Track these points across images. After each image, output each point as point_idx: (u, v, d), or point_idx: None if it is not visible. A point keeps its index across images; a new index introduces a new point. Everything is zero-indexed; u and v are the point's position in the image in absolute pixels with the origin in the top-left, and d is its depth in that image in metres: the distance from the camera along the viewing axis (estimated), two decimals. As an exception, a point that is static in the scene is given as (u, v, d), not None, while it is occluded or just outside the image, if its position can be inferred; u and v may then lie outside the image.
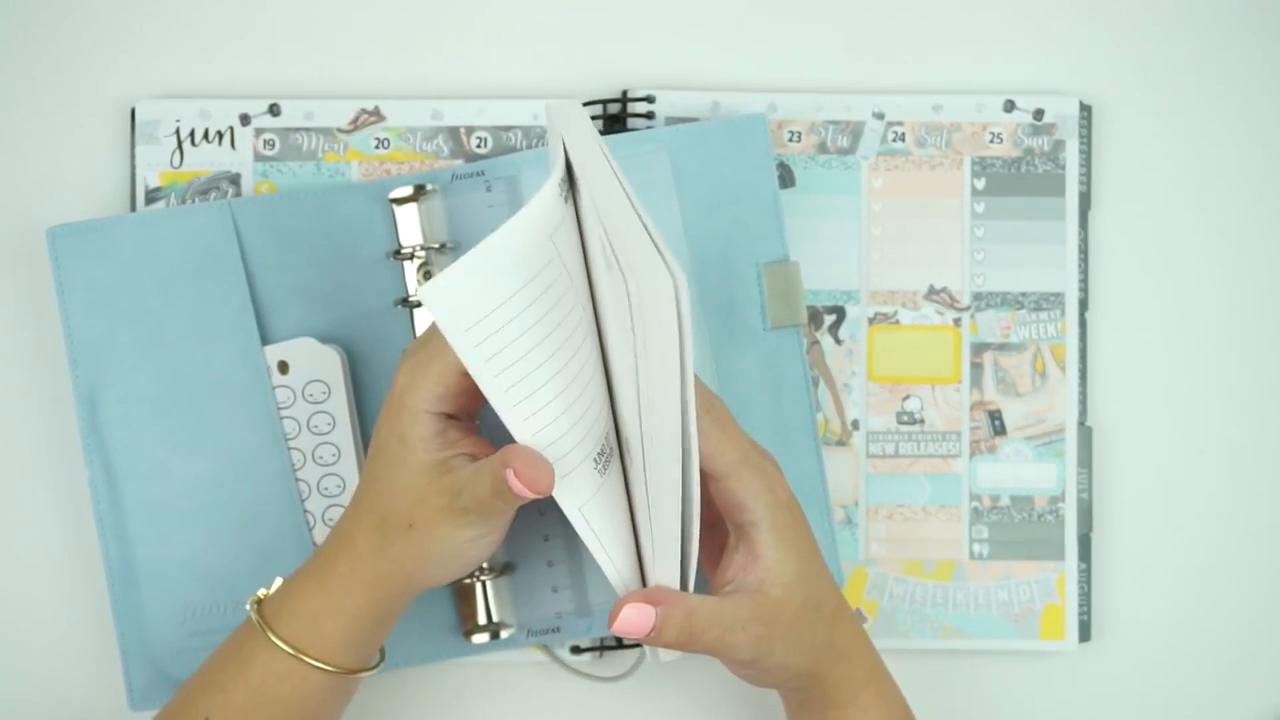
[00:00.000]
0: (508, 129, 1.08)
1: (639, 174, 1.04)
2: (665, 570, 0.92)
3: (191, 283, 1.05)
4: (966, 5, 1.10)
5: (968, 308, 1.08)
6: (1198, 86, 1.10)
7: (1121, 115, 1.10)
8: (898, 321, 1.08)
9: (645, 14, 1.10)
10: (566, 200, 0.90)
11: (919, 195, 1.08)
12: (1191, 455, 1.09)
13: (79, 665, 1.07)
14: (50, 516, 1.07)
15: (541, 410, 0.89)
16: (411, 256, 1.04)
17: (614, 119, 1.08)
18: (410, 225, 1.04)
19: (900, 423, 1.08)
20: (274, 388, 1.04)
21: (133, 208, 1.07)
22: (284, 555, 1.04)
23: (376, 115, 1.08)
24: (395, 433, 0.93)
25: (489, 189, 1.06)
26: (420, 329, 1.04)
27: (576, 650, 1.07)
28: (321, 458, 1.05)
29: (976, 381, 1.08)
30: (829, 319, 1.08)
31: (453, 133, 1.08)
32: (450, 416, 0.94)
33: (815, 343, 1.08)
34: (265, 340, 1.05)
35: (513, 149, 1.08)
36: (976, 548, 1.08)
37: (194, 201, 1.07)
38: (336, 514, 1.04)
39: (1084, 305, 1.08)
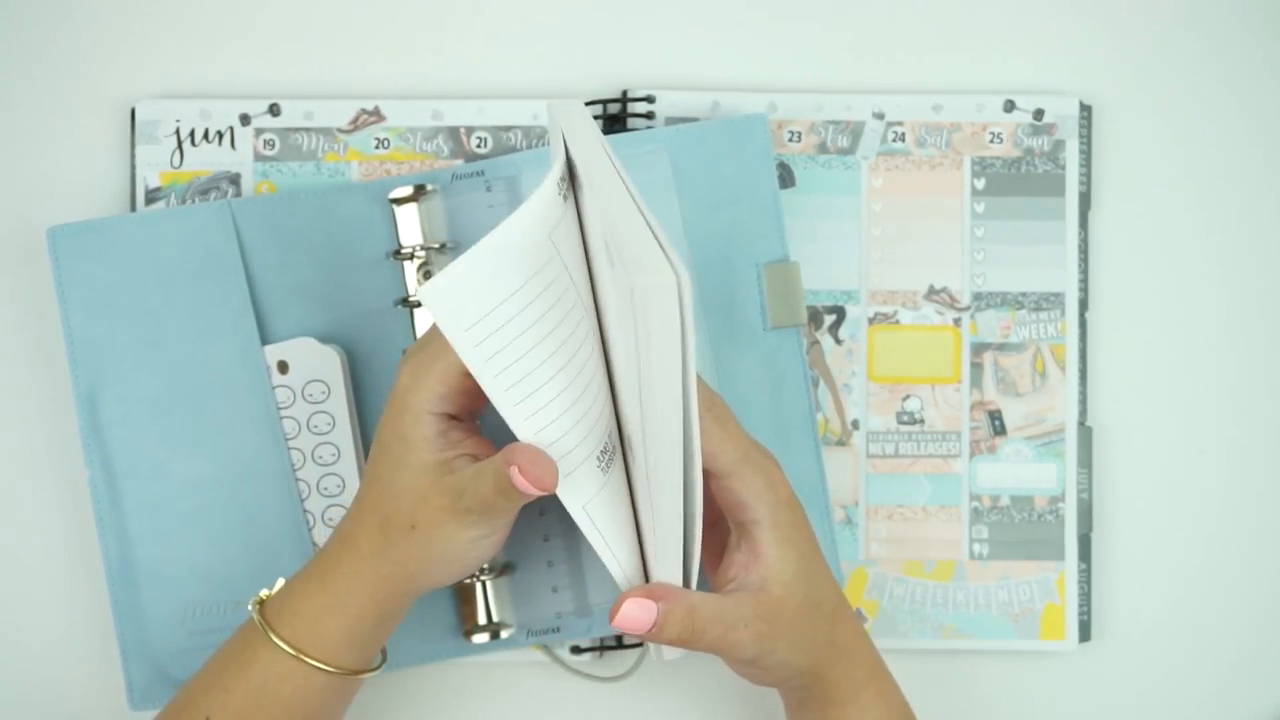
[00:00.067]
0: (508, 129, 1.08)
1: (639, 174, 1.04)
2: (668, 568, 0.92)
3: (191, 283, 1.05)
4: (966, 5, 1.10)
5: (968, 308, 1.08)
6: (1198, 86, 1.10)
7: (1121, 115, 1.10)
8: (898, 321, 1.08)
9: (645, 14, 1.10)
10: (566, 198, 0.90)
11: (919, 195, 1.08)
12: (1191, 455, 1.09)
13: (79, 665, 1.07)
14: (50, 516, 1.07)
15: (543, 409, 0.89)
16: (411, 256, 1.04)
17: (614, 119, 1.08)
18: (410, 225, 1.04)
19: (900, 423, 1.08)
20: (274, 388, 1.04)
21: (133, 208, 1.07)
22: (284, 555, 1.04)
23: (376, 115, 1.08)
24: (397, 433, 0.93)
25: (489, 189, 1.06)
26: (420, 329, 1.04)
27: (576, 650, 1.07)
28: (321, 458, 1.05)
29: (976, 381, 1.08)
30: (829, 319, 1.08)
31: (453, 133, 1.08)
32: (452, 417, 0.94)
33: (815, 343, 1.08)
34: (265, 340, 1.05)
35: (513, 149, 1.08)
36: (976, 548, 1.08)
37: (194, 201, 1.07)
38: (336, 514, 1.05)
39: (1084, 305, 1.08)
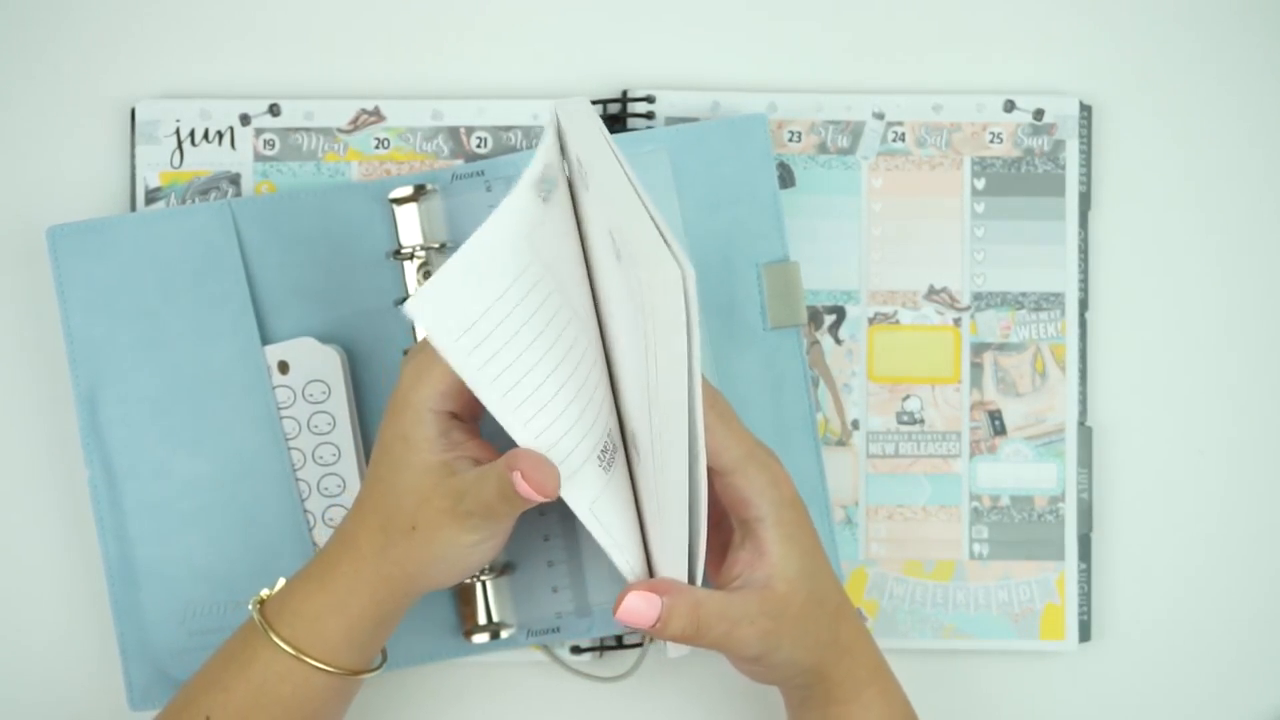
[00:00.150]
0: (508, 129, 1.08)
1: (639, 174, 1.04)
2: (673, 565, 0.92)
3: (191, 283, 1.05)
4: (966, 5, 1.10)
5: (968, 308, 1.08)
6: (1198, 86, 1.10)
7: (1121, 115, 1.10)
8: (898, 321, 1.08)
9: (645, 14, 1.10)
10: (547, 200, 0.90)
11: (919, 195, 1.08)
12: (1191, 455, 1.09)
13: (79, 665, 1.07)
14: (50, 516, 1.07)
15: (541, 412, 0.89)
16: (411, 256, 1.04)
17: (614, 119, 1.08)
18: (410, 225, 1.04)
19: (900, 423, 1.08)
20: (274, 388, 1.04)
21: (133, 208, 1.07)
22: (284, 555, 1.04)
23: (376, 115, 1.08)
24: (399, 433, 0.93)
25: (489, 189, 1.06)
26: (421, 329, 1.04)
27: (576, 650, 1.07)
28: (321, 458, 1.05)
29: (976, 381, 1.08)
30: (829, 319, 1.08)
31: (453, 133, 1.08)
32: (455, 417, 0.94)
33: (815, 343, 1.08)
34: (265, 340, 1.05)
35: (513, 149, 1.08)
36: (976, 548, 1.08)
37: (194, 201, 1.07)
38: (337, 514, 1.05)
39: (1084, 305, 1.08)
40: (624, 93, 1.08)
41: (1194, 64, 1.10)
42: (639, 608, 0.91)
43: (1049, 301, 1.08)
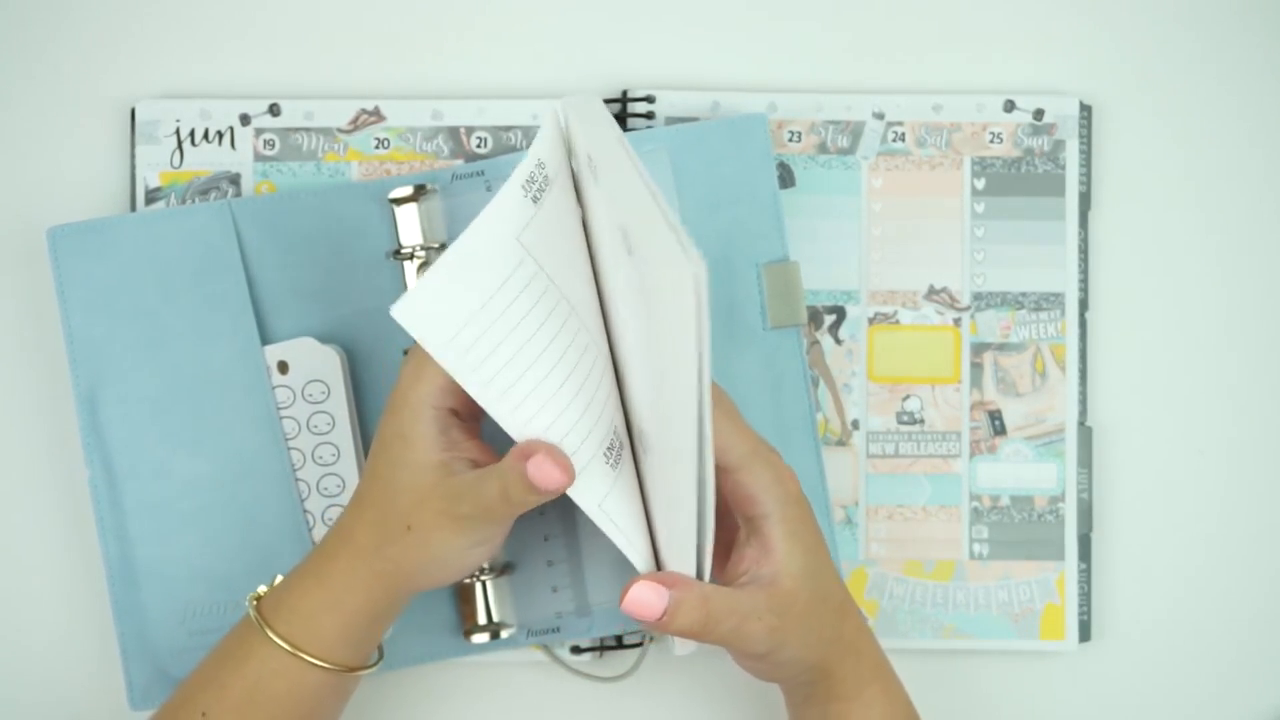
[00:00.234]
0: (508, 129, 1.08)
1: (641, 173, 1.04)
2: (681, 561, 0.91)
3: (191, 283, 1.05)
4: (966, 5, 1.10)
5: (968, 308, 1.08)
6: (1198, 86, 1.10)
7: (1121, 115, 1.10)
8: (898, 321, 1.08)
9: (645, 14, 1.10)
10: (536, 200, 0.89)
11: (919, 195, 1.08)
12: (1191, 455, 1.09)
13: (79, 665, 1.07)
14: (50, 516, 1.07)
15: (542, 411, 0.89)
16: (411, 256, 1.04)
17: (614, 119, 1.08)
18: (410, 225, 1.04)
19: (900, 423, 1.08)
20: (274, 388, 1.04)
21: (133, 208, 1.07)
22: (284, 555, 1.04)
23: (376, 115, 1.08)
24: (398, 430, 0.93)
25: (489, 189, 1.06)
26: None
27: (576, 650, 1.07)
28: (321, 458, 1.05)
29: (976, 381, 1.08)
30: (829, 319, 1.08)
31: (453, 133, 1.08)
32: (455, 414, 0.94)
33: (815, 343, 1.08)
34: (265, 340, 1.05)
35: (513, 149, 1.08)
36: (976, 548, 1.08)
37: (194, 201, 1.07)
38: (336, 514, 1.04)
39: (1084, 305, 1.08)
40: (624, 93, 1.08)
41: (1194, 64, 1.10)
42: (646, 599, 0.91)
43: (1049, 301, 1.08)
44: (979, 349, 1.08)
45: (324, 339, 1.04)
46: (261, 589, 0.96)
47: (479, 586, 1.04)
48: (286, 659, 0.94)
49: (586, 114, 0.92)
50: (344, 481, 1.05)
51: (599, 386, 0.92)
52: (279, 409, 1.04)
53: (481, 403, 0.88)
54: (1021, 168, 1.08)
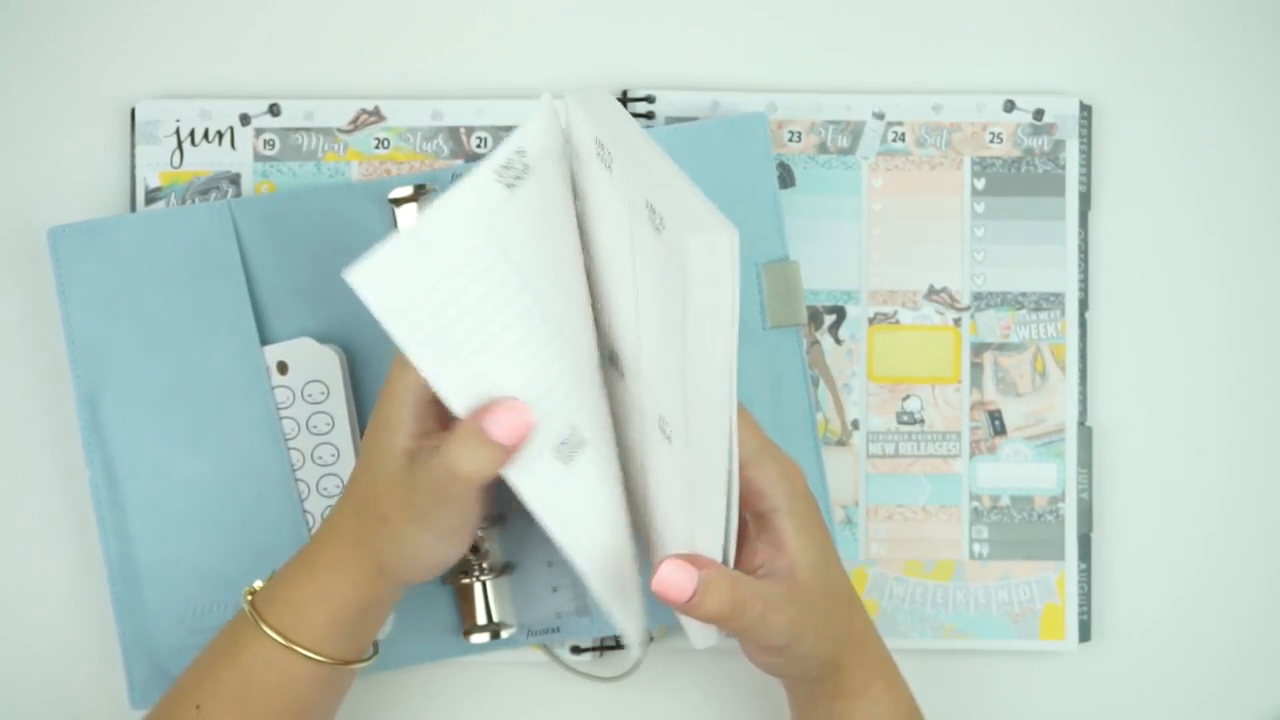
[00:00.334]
0: (508, 129, 1.08)
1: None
2: (708, 551, 0.91)
3: (191, 283, 1.05)
4: (966, 5, 1.10)
5: (968, 308, 1.08)
6: (1198, 86, 1.10)
7: (1121, 115, 1.10)
8: (898, 321, 1.08)
9: (645, 14, 1.10)
10: (511, 187, 0.89)
11: (919, 195, 1.08)
12: (1191, 455, 1.09)
13: (80, 664, 1.07)
14: (52, 516, 1.07)
15: (485, 398, 0.88)
16: (411, 256, 1.04)
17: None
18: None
19: (900, 423, 1.08)
20: (273, 388, 1.05)
21: (133, 208, 1.07)
22: (283, 554, 1.03)
23: (376, 115, 1.08)
24: (382, 416, 0.92)
25: (489, 189, 1.05)
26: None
27: (576, 650, 1.07)
28: (320, 458, 1.05)
29: (976, 381, 1.08)
30: (829, 319, 1.08)
31: (453, 133, 1.08)
32: (437, 404, 0.93)
33: (815, 343, 1.08)
34: (265, 340, 1.05)
35: (513, 149, 1.08)
36: (976, 548, 1.08)
37: (194, 201, 1.07)
38: (336, 514, 1.05)
39: (1084, 305, 1.08)
40: (624, 93, 1.08)
41: (1194, 64, 1.10)
42: (676, 579, 0.89)
43: (1049, 301, 1.08)
44: (979, 349, 1.08)
45: (323, 339, 1.04)
46: (258, 583, 0.96)
47: (479, 586, 1.04)
48: (278, 651, 0.94)
49: (595, 103, 0.92)
50: (343, 481, 1.05)
51: (559, 383, 0.91)
52: (278, 409, 1.04)
53: (427, 377, 0.87)
54: (1021, 168, 1.08)
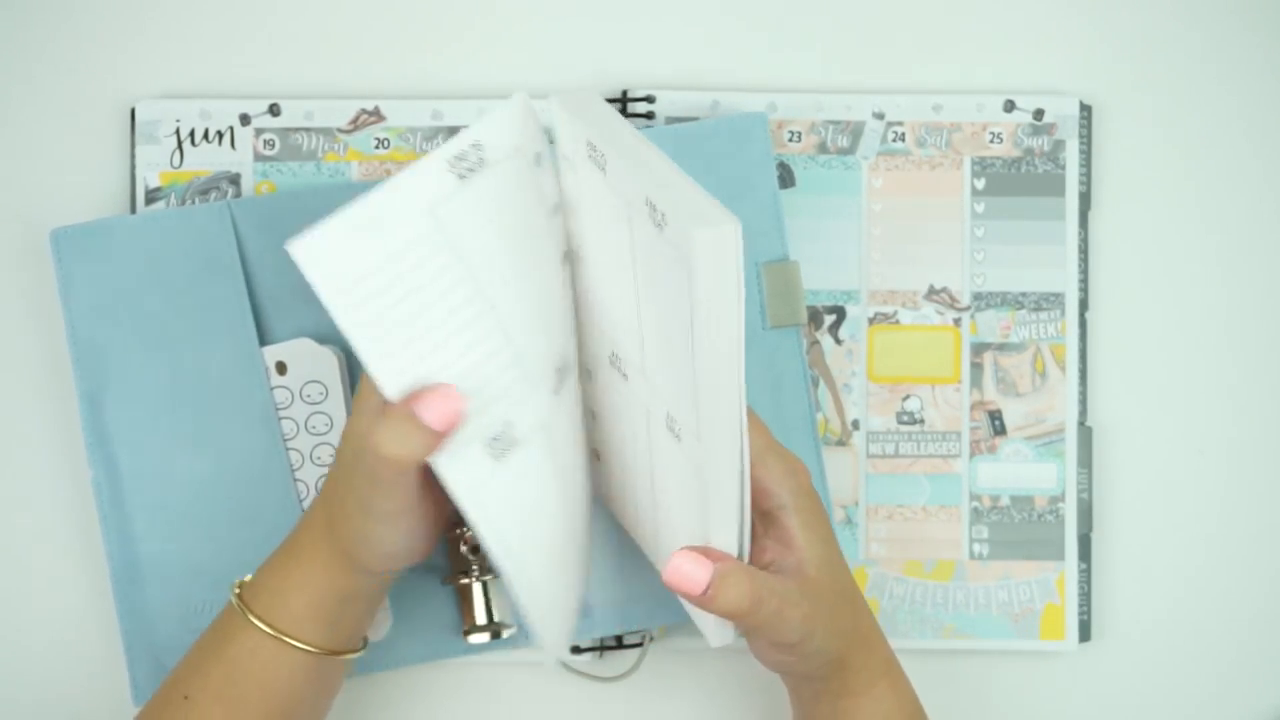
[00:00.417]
0: (508, 129, 1.08)
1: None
2: (724, 543, 0.90)
3: (191, 283, 1.05)
4: (966, 5, 1.10)
5: (968, 308, 1.08)
6: (1198, 86, 1.10)
7: (1121, 115, 1.10)
8: (898, 321, 1.08)
9: (645, 14, 1.10)
10: (463, 178, 0.87)
11: (919, 195, 1.08)
12: (1191, 455, 1.09)
13: (83, 663, 1.07)
14: (54, 516, 1.08)
15: (419, 382, 0.88)
16: (411, 257, 1.03)
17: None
18: (410, 225, 1.04)
19: (900, 423, 1.08)
20: (272, 388, 1.05)
21: (133, 208, 1.08)
22: (283, 555, 1.04)
23: (376, 115, 1.08)
24: (358, 405, 0.92)
25: (488, 189, 1.05)
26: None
27: (576, 650, 1.07)
28: (319, 458, 1.05)
29: (976, 381, 1.08)
30: (829, 319, 1.08)
31: (453, 133, 1.08)
32: None
33: (815, 343, 1.08)
34: (265, 341, 1.05)
35: (512, 149, 1.07)
36: (976, 548, 1.08)
37: (194, 201, 1.07)
38: (336, 514, 1.05)
39: (1084, 305, 1.08)
40: (624, 93, 1.08)
41: (1194, 64, 1.10)
42: (688, 571, 0.89)
43: (1049, 301, 1.08)
44: (979, 349, 1.08)
45: (322, 340, 1.05)
46: (248, 576, 0.97)
47: (479, 586, 1.04)
48: (263, 639, 0.94)
49: (584, 105, 0.91)
50: (343, 482, 1.05)
51: (498, 378, 0.89)
52: (278, 410, 1.05)
53: (361, 357, 0.87)
54: (1021, 168, 1.08)
